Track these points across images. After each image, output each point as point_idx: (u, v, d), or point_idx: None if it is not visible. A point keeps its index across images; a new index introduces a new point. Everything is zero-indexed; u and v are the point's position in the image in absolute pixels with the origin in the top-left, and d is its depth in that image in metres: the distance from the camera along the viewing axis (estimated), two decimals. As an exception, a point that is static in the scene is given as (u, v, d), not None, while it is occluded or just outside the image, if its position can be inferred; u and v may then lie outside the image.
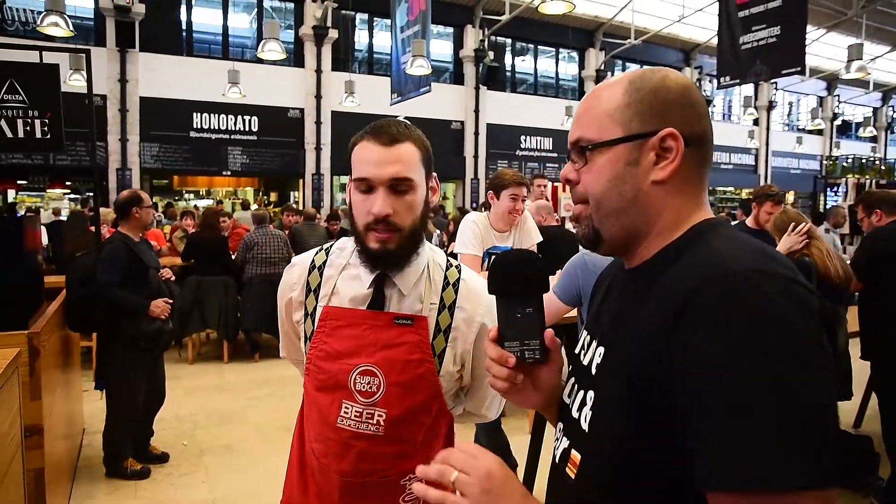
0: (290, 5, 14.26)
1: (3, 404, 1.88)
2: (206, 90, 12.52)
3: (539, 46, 17.69)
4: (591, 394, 0.82)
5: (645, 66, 0.97)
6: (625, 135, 0.81)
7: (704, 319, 0.65)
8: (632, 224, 0.82)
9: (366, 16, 15.11)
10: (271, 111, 13.67)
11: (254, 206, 12.27)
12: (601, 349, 0.84)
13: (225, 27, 13.73)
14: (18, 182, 13.58)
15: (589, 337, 0.90)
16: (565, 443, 0.86)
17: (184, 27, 13.42)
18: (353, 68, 14.70)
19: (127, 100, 12.25)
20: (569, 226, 6.31)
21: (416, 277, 1.27)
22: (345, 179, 15.66)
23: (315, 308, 1.30)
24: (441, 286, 1.28)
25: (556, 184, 7.78)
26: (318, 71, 13.98)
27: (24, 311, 2.72)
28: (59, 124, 4.24)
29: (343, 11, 14.11)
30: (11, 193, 13.80)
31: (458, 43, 16.05)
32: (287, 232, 7.35)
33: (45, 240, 6.71)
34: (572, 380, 0.91)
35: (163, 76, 12.49)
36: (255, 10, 14.00)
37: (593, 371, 0.84)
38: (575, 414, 0.85)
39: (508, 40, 17.13)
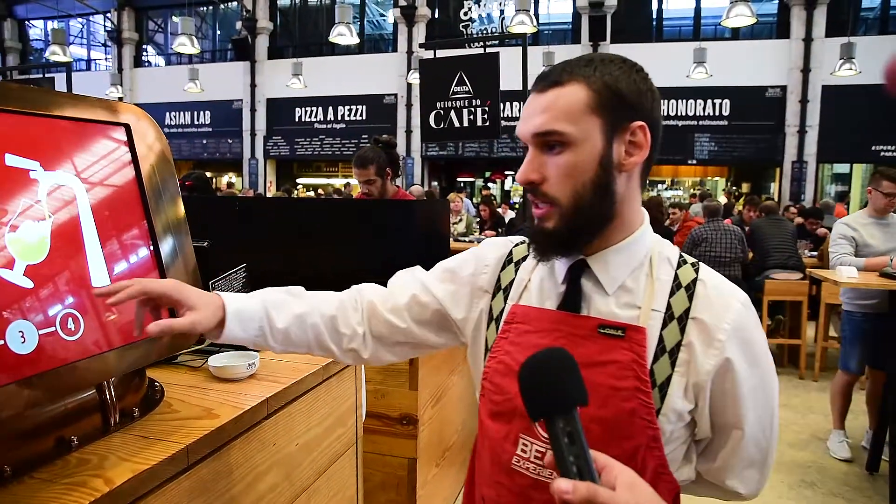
0: (777, -31, 12.50)
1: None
2: (672, 75, 11.95)
3: None
4: None
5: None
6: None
7: None
8: None
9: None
10: (746, 92, 12.24)
11: (721, 199, 11.21)
12: None
13: (697, 8, 12.88)
14: (506, 172, 15.61)
15: None
16: None
17: (654, 14, 13.12)
18: (857, 30, 12.01)
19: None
20: None
21: (630, 271, 0.93)
22: (839, 168, 13.20)
23: (503, 310, 1.02)
24: (669, 288, 0.92)
25: None
26: (807, 39, 11.89)
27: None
28: (496, 112, 4.30)
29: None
30: (508, 182, 15.95)
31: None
32: (747, 229, 6.29)
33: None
34: None
35: (632, 66, 12.39)
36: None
37: None
38: None
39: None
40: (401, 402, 2.41)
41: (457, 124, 4.34)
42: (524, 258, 1.04)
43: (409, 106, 13.85)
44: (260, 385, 1.41)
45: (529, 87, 0.94)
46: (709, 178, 15.72)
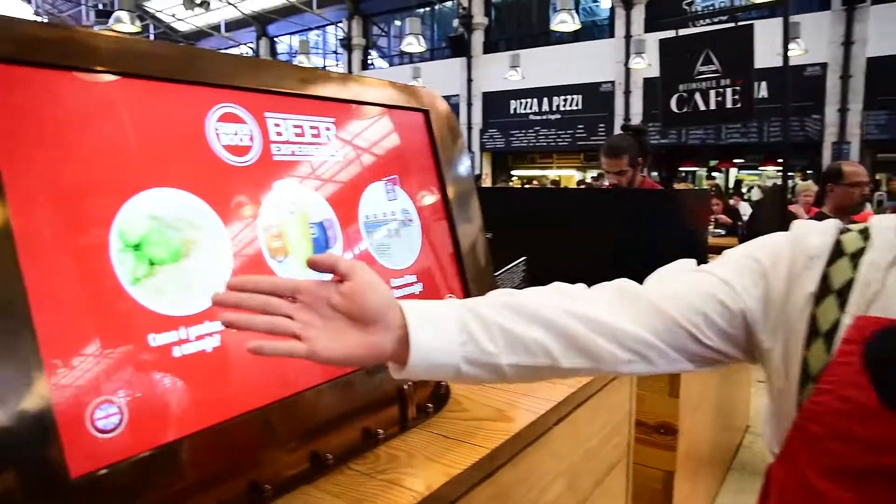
0: None
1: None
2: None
3: None
4: None
5: None
6: None
7: None
8: None
9: None
10: None
11: None
12: None
13: None
14: (734, 161, 14.25)
15: None
16: None
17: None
18: None
19: (851, 64, 10.93)
20: None
21: None
22: None
23: (837, 323, 0.71)
24: None
25: None
26: None
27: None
28: (749, 92, 3.84)
29: None
30: (733, 172, 14.60)
31: None
32: None
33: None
34: None
35: (898, 29, 10.52)
36: None
37: None
38: None
39: None
40: (660, 409, 2.21)
41: (702, 107, 3.96)
42: (861, 251, 0.75)
43: (627, 93, 13.26)
44: (543, 387, 1.31)
45: None
46: None
